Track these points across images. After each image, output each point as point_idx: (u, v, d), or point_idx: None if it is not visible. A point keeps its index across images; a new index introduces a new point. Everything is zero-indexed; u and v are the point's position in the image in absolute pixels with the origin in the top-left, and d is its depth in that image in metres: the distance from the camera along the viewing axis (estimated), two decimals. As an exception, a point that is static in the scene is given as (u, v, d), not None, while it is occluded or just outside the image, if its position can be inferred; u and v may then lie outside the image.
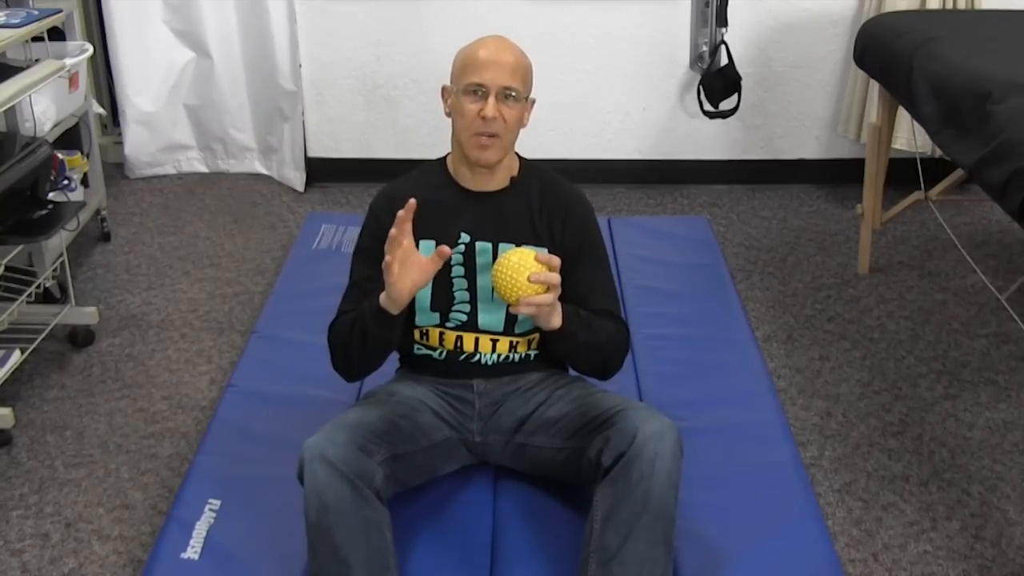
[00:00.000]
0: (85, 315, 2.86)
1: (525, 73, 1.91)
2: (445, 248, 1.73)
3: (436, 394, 1.97)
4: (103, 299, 3.12)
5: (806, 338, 2.89)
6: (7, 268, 2.62)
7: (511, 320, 1.94)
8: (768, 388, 2.40)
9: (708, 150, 3.95)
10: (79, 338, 2.85)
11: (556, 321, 1.81)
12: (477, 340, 1.95)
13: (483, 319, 1.94)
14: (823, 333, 2.91)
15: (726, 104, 3.72)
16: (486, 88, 1.85)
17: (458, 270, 1.93)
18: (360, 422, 1.81)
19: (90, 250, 3.45)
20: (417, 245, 1.82)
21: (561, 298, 1.79)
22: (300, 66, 3.80)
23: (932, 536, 2.12)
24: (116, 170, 4.07)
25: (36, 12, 2.81)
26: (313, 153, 3.96)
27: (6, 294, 2.67)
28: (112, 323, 2.98)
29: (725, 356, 2.55)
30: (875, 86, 3.29)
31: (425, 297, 1.92)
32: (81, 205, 2.98)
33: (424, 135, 3.91)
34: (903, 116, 3.20)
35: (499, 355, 1.96)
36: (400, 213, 1.72)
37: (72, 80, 3.12)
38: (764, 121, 3.90)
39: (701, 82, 3.69)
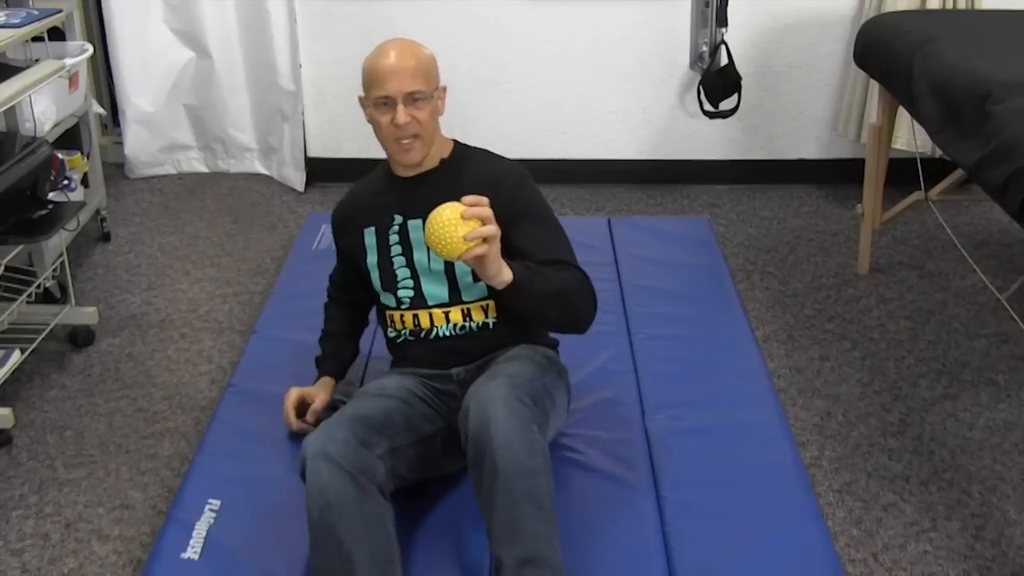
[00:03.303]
0: (85, 315, 2.86)
1: (427, 70, 1.98)
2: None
3: (423, 385, 2.02)
4: (103, 299, 3.12)
5: (806, 338, 2.89)
6: (7, 268, 2.62)
7: (455, 288, 2.00)
8: (768, 388, 2.40)
9: (708, 150, 3.95)
10: (79, 338, 2.85)
11: (506, 274, 1.80)
12: (431, 315, 2.02)
13: (427, 290, 2.02)
14: (823, 333, 2.91)
15: (726, 104, 3.72)
16: (392, 98, 1.93)
17: (396, 249, 2.05)
18: (358, 416, 1.84)
19: (90, 250, 3.45)
20: (361, 234, 2.08)
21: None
22: (300, 66, 3.80)
23: (932, 536, 2.12)
24: (116, 170, 4.07)
25: (36, 12, 2.82)
26: (313, 153, 3.97)
27: (6, 294, 2.67)
28: (112, 323, 2.98)
29: (725, 356, 2.55)
30: (875, 86, 3.29)
31: (376, 280, 2.07)
32: (81, 205, 2.98)
33: (424, 135, 3.91)
34: (903, 116, 3.20)
35: (455, 324, 2.01)
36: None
37: (72, 80, 3.12)
38: (764, 121, 3.90)
39: (701, 82, 3.68)
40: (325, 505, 1.68)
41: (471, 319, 2.02)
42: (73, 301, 2.86)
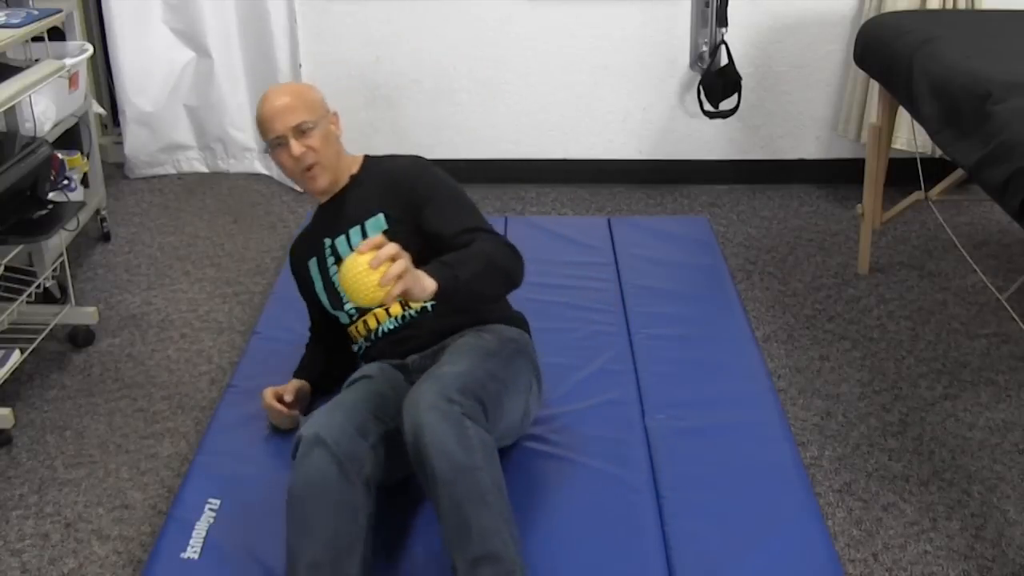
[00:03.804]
0: (85, 315, 2.86)
1: (309, 103, 2.10)
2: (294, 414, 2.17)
3: (399, 373, 2.08)
4: (103, 299, 3.12)
5: (806, 338, 2.89)
6: (7, 268, 2.62)
7: None
8: (768, 388, 2.40)
9: (708, 150, 3.95)
10: (79, 338, 2.85)
11: (429, 285, 1.76)
12: (376, 316, 2.13)
13: None
14: (823, 333, 2.91)
15: (726, 104, 3.72)
16: (283, 135, 2.06)
17: (333, 270, 2.16)
18: (355, 400, 1.89)
19: (90, 250, 3.45)
20: (307, 268, 2.22)
21: (424, 254, 1.84)
22: (300, 66, 3.80)
23: (932, 536, 2.12)
24: (116, 170, 4.07)
25: (36, 12, 2.81)
26: (313, 153, 3.96)
27: (6, 294, 2.67)
28: (112, 323, 2.98)
29: (725, 356, 2.55)
30: (875, 86, 3.29)
31: (327, 303, 2.19)
32: (81, 205, 2.98)
33: (424, 135, 3.91)
34: (903, 116, 3.20)
35: (396, 317, 2.10)
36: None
37: (72, 80, 3.12)
38: (764, 121, 3.90)
39: (701, 82, 3.69)
40: (304, 481, 1.73)
41: (409, 307, 2.10)
42: (73, 301, 2.86)
